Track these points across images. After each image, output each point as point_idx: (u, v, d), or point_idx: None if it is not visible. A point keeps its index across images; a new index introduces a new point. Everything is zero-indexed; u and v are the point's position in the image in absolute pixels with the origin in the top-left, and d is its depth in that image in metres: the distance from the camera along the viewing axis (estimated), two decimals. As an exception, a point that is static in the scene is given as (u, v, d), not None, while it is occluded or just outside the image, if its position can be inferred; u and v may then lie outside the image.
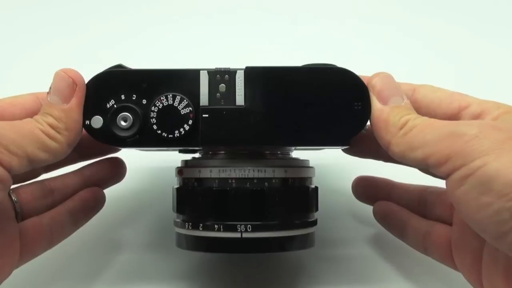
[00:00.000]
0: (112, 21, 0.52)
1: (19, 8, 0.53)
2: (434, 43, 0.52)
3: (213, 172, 0.33)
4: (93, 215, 0.40)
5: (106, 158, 0.40)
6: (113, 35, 0.52)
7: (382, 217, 0.42)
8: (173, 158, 0.38)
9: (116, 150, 0.40)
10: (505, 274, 0.31)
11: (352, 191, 0.44)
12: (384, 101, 0.32)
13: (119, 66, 0.33)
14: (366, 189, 0.43)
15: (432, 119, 0.31)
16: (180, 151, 0.37)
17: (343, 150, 0.41)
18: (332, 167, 0.47)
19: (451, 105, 0.33)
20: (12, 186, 0.34)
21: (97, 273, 0.43)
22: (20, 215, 0.36)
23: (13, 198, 0.36)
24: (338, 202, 0.46)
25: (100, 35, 0.52)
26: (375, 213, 0.43)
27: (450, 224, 0.37)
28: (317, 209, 0.37)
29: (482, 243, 0.33)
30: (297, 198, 0.35)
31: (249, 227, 0.32)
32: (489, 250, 0.32)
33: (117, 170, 0.40)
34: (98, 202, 0.40)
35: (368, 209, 0.43)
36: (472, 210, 0.27)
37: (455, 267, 0.36)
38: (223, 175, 0.33)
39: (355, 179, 0.44)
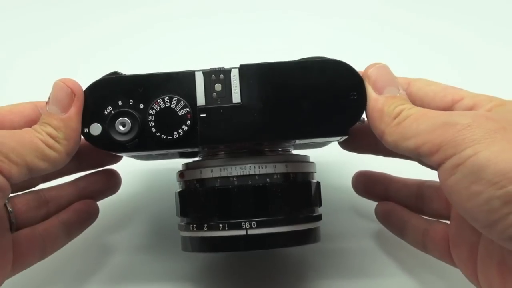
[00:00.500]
0: (106, 24, 0.53)
1: (14, 11, 0.53)
2: (427, 39, 0.52)
3: (214, 172, 0.33)
4: (87, 227, 0.40)
5: (101, 170, 0.41)
6: (106, 38, 0.52)
7: (383, 217, 0.43)
8: (173, 161, 0.38)
9: (116, 161, 0.41)
10: (499, 267, 0.31)
11: (352, 186, 0.44)
12: (379, 91, 0.32)
13: (115, 73, 0.33)
14: (365, 183, 0.44)
15: (427, 110, 0.31)
16: (181, 156, 0.37)
17: (342, 146, 0.41)
18: (331, 164, 0.47)
19: (445, 98, 0.33)
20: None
21: (91, 276, 0.44)
22: (15, 225, 0.36)
23: (9, 208, 0.36)
24: (339, 199, 0.46)
25: (94, 39, 0.52)
26: (376, 213, 0.43)
27: (447, 218, 0.37)
28: (320, 204, 0.37)
29: (478, 237, 0.33)
30: (300, 192, 0.34)
31: (253, 223, 0.32)
32: (484, 243, 0.33)
33: (111, 182, 0.41)
34: (91, 215, 0.40)
35: (367, 204, 0.44)
36: (463, 199, 0.27)
37: (453, 263, 0.36)
38: (224, 173, 0.33)
39: (354, 174, 0.44)
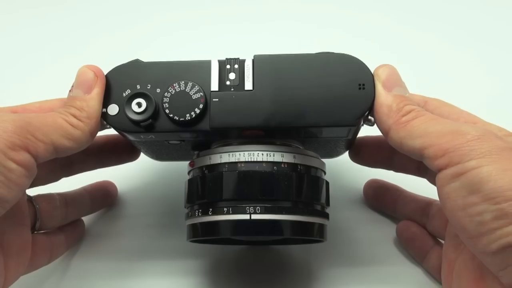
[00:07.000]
0: (131, 21, 0.58)
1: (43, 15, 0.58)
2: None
3: (223, 157, 0.34)
4: (76, 242, 0.44)
5: (104, 180, 0.46)
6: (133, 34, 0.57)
7: (406, 241, 0.43)
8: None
9: (134, 158, 0.42)
10: (476, 284, 0.31)
11: (363, 192, 0.45)
12: (388, 89, 0.33)
13: (136, 61, 0.35)
14: (376, 189, 0.45)
15: (437, 116, 0.32)
16: (194, 149, 0.38)
17: (353, 159, 0.42)
18: (342, 170, 0.47)
19: (458, 121, 0.34)
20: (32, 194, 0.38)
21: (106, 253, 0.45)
22: (39, 222, 0.38)
23: (35, 205, 0.38)
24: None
25: (120, 32, 0.57)
26: (399, 233, 0.43)
27: (444, 237, 0.38)
28: (328, 204, 0.36)
29: (458, 254, 0.33)
30: (307, 184, 0.34)
31: (258, 208, 0.32)
32: (462, 260, 0.33)
33: (111, 188, 0.46)
34: (80, 234, 0.44)
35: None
36: (457, 207, 0.28)
37: None
38: (232, 159, 0.34)
39: (367, 181, 0.45)
